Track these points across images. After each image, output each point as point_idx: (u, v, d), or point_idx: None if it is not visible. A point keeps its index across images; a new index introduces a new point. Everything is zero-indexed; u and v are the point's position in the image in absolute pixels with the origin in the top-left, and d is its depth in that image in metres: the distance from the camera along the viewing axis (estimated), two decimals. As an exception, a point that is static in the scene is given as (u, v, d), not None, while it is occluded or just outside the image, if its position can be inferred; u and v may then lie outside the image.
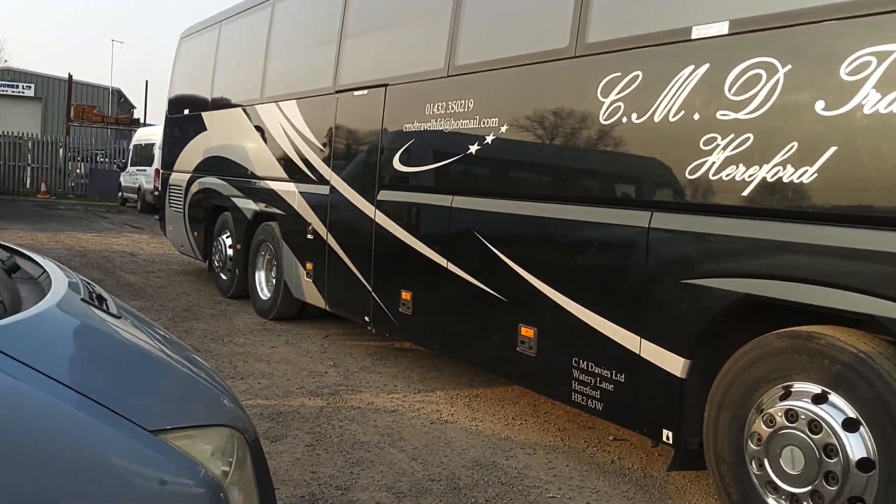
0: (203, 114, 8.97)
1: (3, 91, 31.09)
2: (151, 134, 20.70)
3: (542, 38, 4.37)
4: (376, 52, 6.03)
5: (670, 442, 3.42)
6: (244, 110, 7.89)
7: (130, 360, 1.82)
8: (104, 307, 2.07)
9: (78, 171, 26.52)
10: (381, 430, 4.25)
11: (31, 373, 1.44)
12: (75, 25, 79.04)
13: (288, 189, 6.89)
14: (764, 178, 3.07)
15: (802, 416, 2.86)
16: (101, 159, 27.51)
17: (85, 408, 1.45)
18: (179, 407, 1.76)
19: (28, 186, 25.43)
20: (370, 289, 5.60)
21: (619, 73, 3.74)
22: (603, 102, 3.81)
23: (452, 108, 4.86)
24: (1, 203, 20.18)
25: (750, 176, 3.13)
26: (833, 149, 2.85)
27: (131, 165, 22.45)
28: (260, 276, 7.57)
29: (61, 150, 26.27)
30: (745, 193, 3.14)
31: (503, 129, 4.44)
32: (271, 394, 4.81)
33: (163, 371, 1.86)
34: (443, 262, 4.84)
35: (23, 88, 35.23)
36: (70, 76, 30.03)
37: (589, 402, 3.80)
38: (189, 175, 9.18)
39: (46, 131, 30.83)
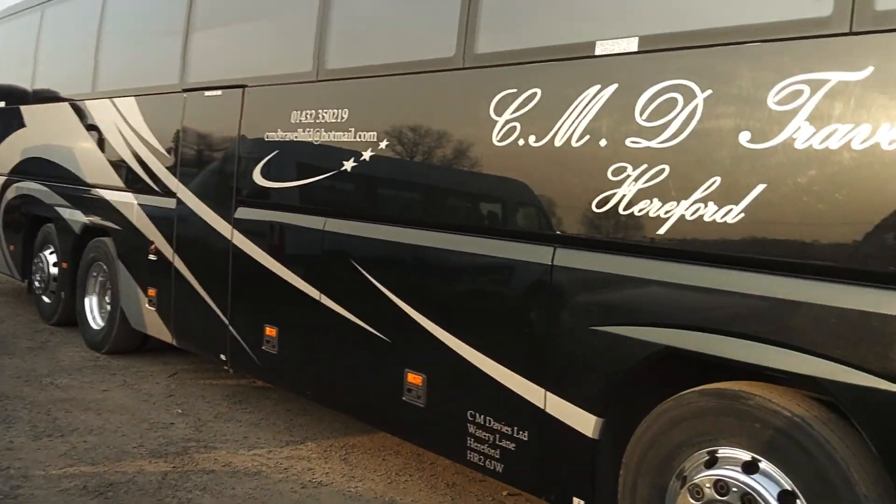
0: (21, 107, 7.74)
1: None
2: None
3: (425, 44, 3.89)
4: (232, 48, 5.29)
5: (581, 510, 3.04)
6: (72, 105, 6.83)
7: None
8: None
9: None
10: (240, 500, 3.58)
11: None
12: None
13: (125, 200, 5.97)
14: (682, 216, 2.74)
15: (734, 489, 2.55)
16: None
17: None
18: None
19: None
20: (227, 322, 4.87)
21: (514, 90, 3.32)
22: (496, 121, 3.37)
23: (323, 117, 4.26)
24: None
25: (666, 212, 2.79)
26: (761, 186, 2.55)
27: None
28: (91, 302, 6.53)
29: None
30: (661, 232, 2.80)
31: (383, 144, 3.91)
32: (100, 457, 3.98)
33: None
34: (315, 293, 4.23)
35: None
36: None
37: (487, 462, 3.36)
38: (4, 178, 7.91)
39: None
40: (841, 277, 2.36)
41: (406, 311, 3.71)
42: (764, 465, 2.53)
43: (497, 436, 3.31)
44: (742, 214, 2.58)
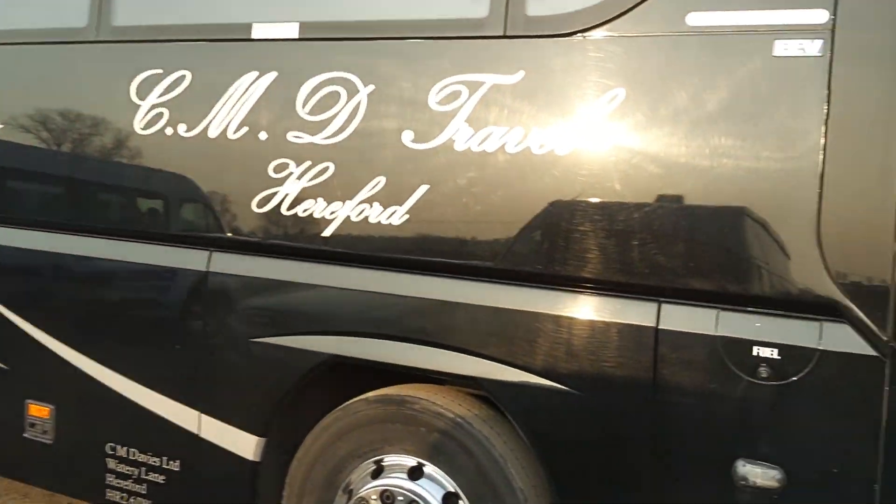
0: None
1: None
2: None
3: (52, 10, 3.27)
4: None
5: (240, 543, 2.75)
6: None
7: None
8: None
9: None
10: None
11: None
12: None
13: None
14: (348, 217, 2.60)
15: (400, 497, 2.48)
16: None
17: None
18: None
19: None
20: None
21: (159, 70, 2.91)
22: (139, 106, 2.94)
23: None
24: None
25: (331, 213, 2.63)
26: (424, 187, 2.51)
27: None
28: None
29: None
30: (326, 234, 2.63)
31: (-5, 128, 3.18)
32: None
33: None
34: None
35: None
36: None
37: (131, 499, 2.89)
38: None
39: None
40: (496, 277, 2.42)
41: (27, 330, 3.07)
42: (429, 468, 2.50)
43: (143, 469, 2.87)
44: (406, 216, 2.52)
